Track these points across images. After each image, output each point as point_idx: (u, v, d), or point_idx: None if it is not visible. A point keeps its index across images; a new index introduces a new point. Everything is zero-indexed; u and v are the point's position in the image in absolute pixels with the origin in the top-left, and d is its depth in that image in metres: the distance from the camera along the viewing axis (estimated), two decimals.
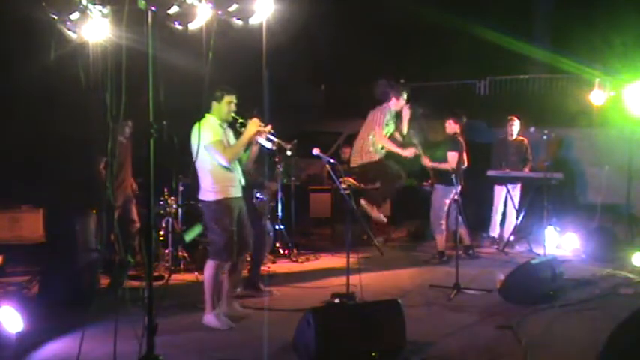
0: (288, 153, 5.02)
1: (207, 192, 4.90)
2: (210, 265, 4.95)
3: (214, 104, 4.92)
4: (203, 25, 4.03)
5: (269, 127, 4.95)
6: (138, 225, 6.86)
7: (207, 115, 4.91)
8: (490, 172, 8.29)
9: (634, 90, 7.81)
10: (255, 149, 5.21)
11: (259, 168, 6.29)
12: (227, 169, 4.85)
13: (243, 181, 5.06)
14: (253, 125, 4.84)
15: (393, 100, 7.36)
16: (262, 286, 6.02)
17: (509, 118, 8.66)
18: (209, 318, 4.91)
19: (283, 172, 7.97)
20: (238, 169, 5.03)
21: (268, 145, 5.03)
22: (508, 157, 8.51)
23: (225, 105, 4.91)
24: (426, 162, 7.61)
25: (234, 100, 4.94)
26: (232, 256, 4.95)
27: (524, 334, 4.59)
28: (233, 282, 5.20)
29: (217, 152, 4.78)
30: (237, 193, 4.98)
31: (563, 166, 9.72)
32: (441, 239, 7.64)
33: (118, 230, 6.66)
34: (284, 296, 5.99)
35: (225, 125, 5.00)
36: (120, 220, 6.88)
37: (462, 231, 7.56)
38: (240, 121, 4.93)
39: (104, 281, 6.10)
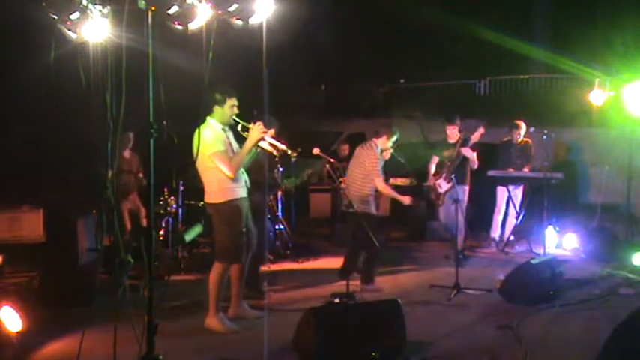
0: (292, 160, 4.99)
1: (215, 194, 4.84)
2: (216, 268, 4.89)
3: (217, 108, 4.84)
4: (203, 25, 4.02)
5: (272, 132, 4.89)
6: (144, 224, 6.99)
7: (208, 118, 4.85)
8: (491, 173, 8.27)
9: (634, 90, 7.79)
10: (253, 151, 5.03)
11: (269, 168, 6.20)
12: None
13: (248, 182, 5.04)
14: (256, 132, 4.73)
15: (384, 138, 6.56)
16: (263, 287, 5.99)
17: (515, 123, 8.53)
18: (212, 322, 4.84)
19: (284, 173, 7.97)
20: (242, 170, 4.99)
21: (271, 150, 4.95)
22: (513, 160, 8.49)
23: (229, 109, 4.84)
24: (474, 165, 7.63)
25: (236, 103, 4.89)
26: (240, 258, 4.93)
27: (524, 334, 4.59)
28: (242, 283, 5.17)
29: (222, 163, 4.72)
30: (243, 193, 4.96)
31: (563, 166, 9.73)
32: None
33: (118, 230, 6.72)
34: (284, 296, 5.99)
35: (226, 128, 4.94)
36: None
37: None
38: (242, 124, 4.86)
39: (104, 281, 6.10)
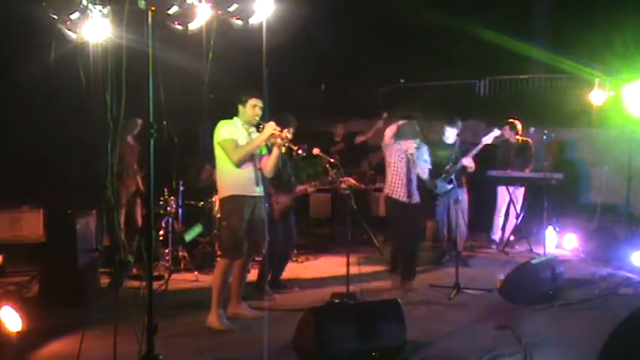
0: (297, 157, 5.01)
1: (220, 188, 5.02)
2: (219, 264, 4.98)
3: (240, 107, 4.98)
4: (203, 25, 4.02)
5: (285, 132, 4.93)
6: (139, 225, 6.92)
7: (234, 117, 5.01)
8: (491, 173, 8.26)
9: (634, 90, 7.79)
10: (276, 152, 4.99)
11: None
12: (241, 166, 4.88)
13: (261, 179, 5.02)
14: (268, 128, 4.81)
15: None
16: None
17: (507, 121, 8.54)
18: (212, 319, 4.86)
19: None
20: (256, 168, 4.99)
21: (284, 149, 4.97)
22: (511, 159, 8.47)
23: (250, 108, 4.94)
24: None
25: (260, 104, 4.95)
26: (241, 255, 4.93)
27: (524, 334, 4.59)
28: (241, 283, 5.17)
29: (227, 150, 4.85)
30: (251, 191, 4.96)
31: (563, 166, 9.72)
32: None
33: (119, 230, 6.72)
34: (284, 296, 5.98)
35: (252, 129, 5.01)
36: (125, 220, 6.94)
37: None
38: (262, 124, 4.91)
39: (104, 281, 6.10)
